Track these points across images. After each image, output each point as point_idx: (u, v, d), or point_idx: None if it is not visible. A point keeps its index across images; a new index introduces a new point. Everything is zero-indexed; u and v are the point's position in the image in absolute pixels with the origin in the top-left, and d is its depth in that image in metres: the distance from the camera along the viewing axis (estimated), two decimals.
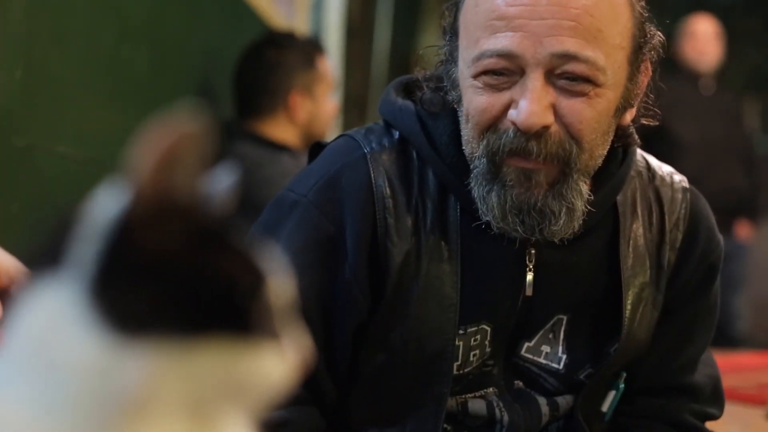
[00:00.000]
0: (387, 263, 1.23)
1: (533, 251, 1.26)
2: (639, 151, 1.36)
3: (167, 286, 0.51)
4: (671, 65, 4.71)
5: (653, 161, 1.39)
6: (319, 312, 1.23)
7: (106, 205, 0.53)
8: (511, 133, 1.18)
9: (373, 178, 1.24)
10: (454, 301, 1.24)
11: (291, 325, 0.56)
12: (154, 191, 0.52)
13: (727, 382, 1.47)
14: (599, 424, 1.35)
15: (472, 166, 1.22)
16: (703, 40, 4.49)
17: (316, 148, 1.37)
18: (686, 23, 4.60)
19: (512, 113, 1.18)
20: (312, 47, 2.80)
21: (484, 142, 1.20)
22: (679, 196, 1.36)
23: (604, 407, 1.34)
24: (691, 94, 4.43)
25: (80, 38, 1.90)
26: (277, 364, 0.54)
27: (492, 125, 1.19)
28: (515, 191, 1.19)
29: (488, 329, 1.28)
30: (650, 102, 1.29)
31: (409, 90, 1.33)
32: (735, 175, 4.40)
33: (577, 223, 1.23)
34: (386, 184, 1.24)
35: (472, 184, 1.22)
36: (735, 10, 6.69)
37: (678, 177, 1.38)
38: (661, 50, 1.26)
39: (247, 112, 2.73)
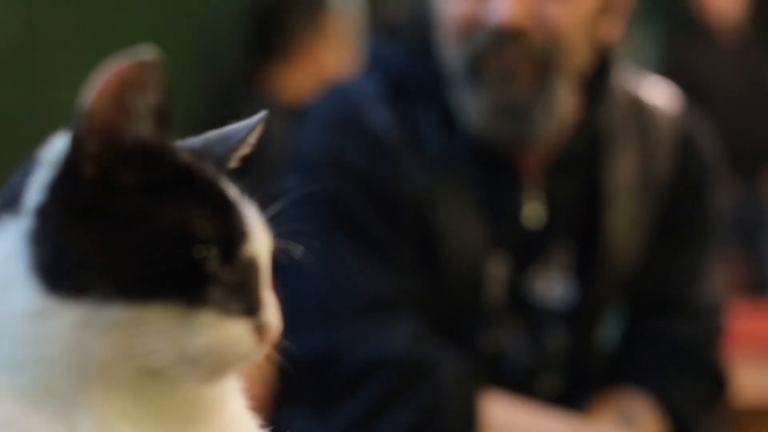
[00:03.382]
0: (408, 197, 1.24)
1: (531, 179, 1.28)
2: (629, 78, 1.35)
3: (110, 233, 0.44)
4: (693, 24, 4.62)
5: (643, 88, 1.37)
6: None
7: (57, 144, 0.47)
8: (489, 35, 1.20)
9: (375, 122, 1.25)
10: (480, 223, 1.25)
11: (266, 285, 0.50)
12: (103, 118, 0.45)
13: None
14: (601, 359, 1.34)
15: (452, 75, 1.23)
16: None
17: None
18: None
19: (490, 14, 1.20)
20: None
21: (462, 48, 1.22)
22: (665, 122, 1.34)
23: (605, 340, 1.34)
24: (714, 51, 4.36)
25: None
26: (241, 331, 0.48)
27: (471, 32, 1.21)
28: (497, 90, 1.21)
29: (502, 261, 1.28)
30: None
31: (392, 32, 1.35)
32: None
33: (558, 123, 1.24)
34: (388, 126, 1.25)
35: (454, 93, 1.23)
36: None
37: (668, 102, 1.37)
38: None
39: (258, 58, 2.69)
